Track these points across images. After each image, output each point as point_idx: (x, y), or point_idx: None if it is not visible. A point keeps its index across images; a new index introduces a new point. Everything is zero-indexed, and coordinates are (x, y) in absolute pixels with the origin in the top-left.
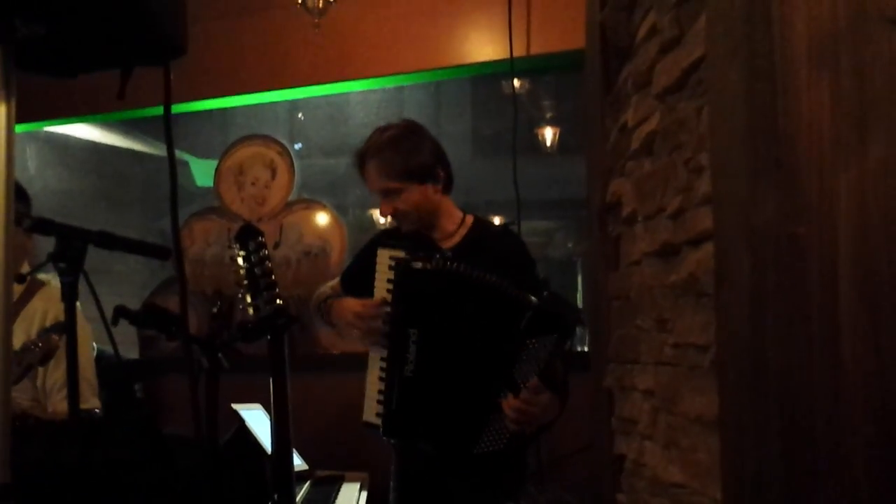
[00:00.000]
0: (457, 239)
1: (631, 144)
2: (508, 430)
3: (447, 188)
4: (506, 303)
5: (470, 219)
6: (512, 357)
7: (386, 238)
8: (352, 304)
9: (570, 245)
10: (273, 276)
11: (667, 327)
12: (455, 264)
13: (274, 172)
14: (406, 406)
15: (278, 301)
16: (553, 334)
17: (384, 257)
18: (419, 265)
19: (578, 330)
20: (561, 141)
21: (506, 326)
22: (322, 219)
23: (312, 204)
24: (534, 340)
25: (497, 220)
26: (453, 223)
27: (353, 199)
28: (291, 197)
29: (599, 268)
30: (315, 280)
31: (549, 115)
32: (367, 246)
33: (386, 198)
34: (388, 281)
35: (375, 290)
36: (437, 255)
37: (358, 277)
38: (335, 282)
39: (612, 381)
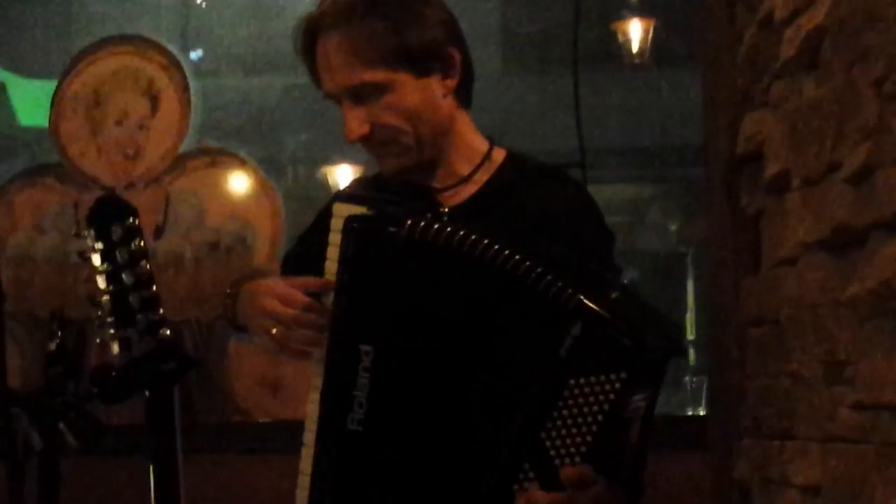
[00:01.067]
0: (473, 189)
1: (780, 51)
2: None
3: (464, 92)
4: (538, 306)
5: (500, 154)
6: (542, 408)
7: (351, 190)
8: (273, 283)
9: (672, 227)
10: (154, 287)
11: (844, 375)
12: (454, 229)
13: (155, 103)
14: (343, 487)
15: (163, 330)
16: (621, 372)
17: (340, 215)
18: (389, 228)
19: (676, 367)
20: (656, 44)
21: (535, 351)
22: (239, 183)
23: (222, 158)
24: (583, 380)
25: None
26: (470, 159)
27: (294, 150)
28: (186, 146)
29: (726, 268)
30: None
31: None
32: (323, 213)
33: (357, 104)
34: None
35: (326, 266)
36: (428, 215)
37: (306, 264)
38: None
39: (747, 468)
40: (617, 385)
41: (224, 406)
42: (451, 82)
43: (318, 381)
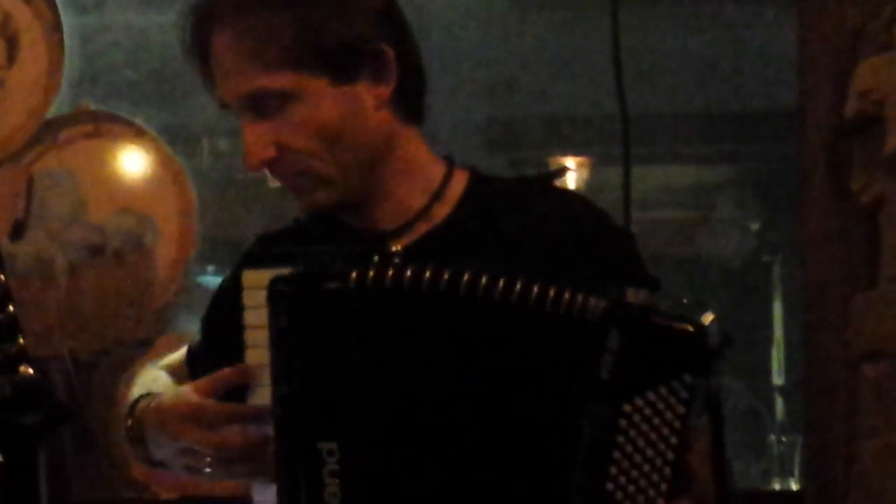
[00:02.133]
0: (435, 222)
1: None
2: None
3: (410, 102)
4: (553, 331)
5: (462, 178)
6: (599, 454)
7: (260, 250)
8: (184, 394)
9: (752, 226)
10: (9, 307)
11: None
12: (415, 269)
13: (13, 47)
14: None
15: (23, 368)
16: (683, 376)
17: (254, 286)
18: (330, 284)
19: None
20: None
21: (567, 386)
22: (134, 162)
23: (109, 126)
24: (640, 401)
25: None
26: (423, 189)
27: (211, 115)
28: (56, 109)
29: (829, 282)
30: (114, 316)
31: None
32: (226, 287)
33: (257, 117)
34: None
35: (247, 356)
36: (375, 259)
37: (216, 359)
38: (175, 357)
39: None
40: (683, 394)
41: (111, 476)
42: (385, 90)
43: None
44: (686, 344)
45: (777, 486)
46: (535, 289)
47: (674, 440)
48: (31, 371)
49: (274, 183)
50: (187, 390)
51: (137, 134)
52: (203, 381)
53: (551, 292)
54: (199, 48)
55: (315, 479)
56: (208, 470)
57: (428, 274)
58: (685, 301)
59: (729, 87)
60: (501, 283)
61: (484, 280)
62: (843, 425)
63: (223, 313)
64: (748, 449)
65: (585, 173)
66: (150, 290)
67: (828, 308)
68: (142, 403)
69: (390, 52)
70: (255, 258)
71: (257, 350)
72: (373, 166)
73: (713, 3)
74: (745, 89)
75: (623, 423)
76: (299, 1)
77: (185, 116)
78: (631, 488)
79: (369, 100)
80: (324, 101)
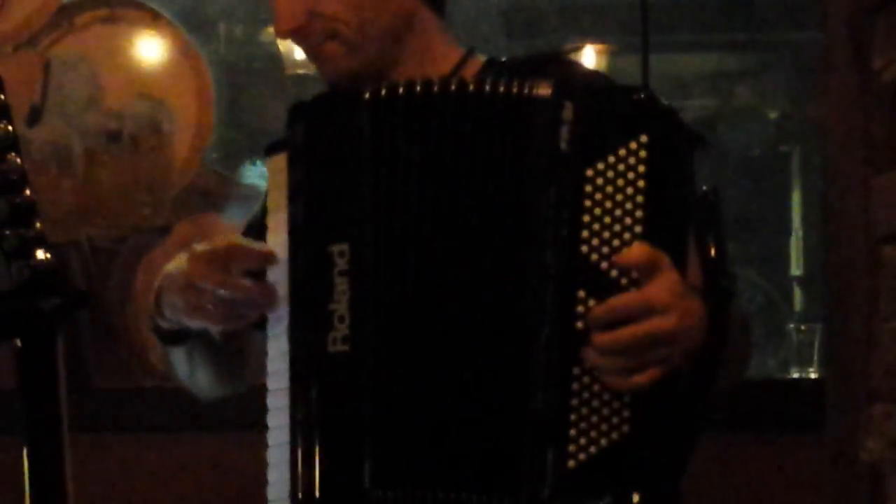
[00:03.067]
0: None
1: None
2: (621, 391)
3: None
4: (513, 114)
5: (477, 62)
6: (570, 222)
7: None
8: (199, 247)
9: (771, 114)
10: (27, 191)
11: None
12: (424, 81)
13: None
14: (338, 431)
15: (41, 253)
16: (639, 136)
17: (276, 168)
18: (347, 98)
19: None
20: None
21: (535, 165)
22: (150, 47)
23: (125, 10)
24: (601, 165)
25: (590, 57)
26: (440, 65)
27: (228, 2)
28: None
29: (851, 164)
30: (131, 202)
31: None
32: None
33: None
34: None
35: (268, 237)
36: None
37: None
38: None
39: (878, 446)
40: (642, 153)
41: (129, 364)
42: None
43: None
44: (637, 105)
45: (797, 375)
46: (495, 82)
47: (640, 198)
48: (48, 256)
49: (291, 69)
50: (211, 242)
51: (154, 19)
52: (233, 240)
53: (509, 83)
54: None
55: (326, 280)
56: (210, 307)
57: (431, 86)
58: (704, 188)
59: None
60: (472, 83)
61: (464, 84)
62: (863, 308)
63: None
64: (766, 340)
65: (604, 61)
66: (167, 176)
67: (848, 190)
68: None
69: None
70: (276, 144)
71: (276, 232)
72: (393, 39)
73: None
74: None
75: (588, 188)
76: None
77: (202, 1)
78: (604, 249)
79: None
80: None
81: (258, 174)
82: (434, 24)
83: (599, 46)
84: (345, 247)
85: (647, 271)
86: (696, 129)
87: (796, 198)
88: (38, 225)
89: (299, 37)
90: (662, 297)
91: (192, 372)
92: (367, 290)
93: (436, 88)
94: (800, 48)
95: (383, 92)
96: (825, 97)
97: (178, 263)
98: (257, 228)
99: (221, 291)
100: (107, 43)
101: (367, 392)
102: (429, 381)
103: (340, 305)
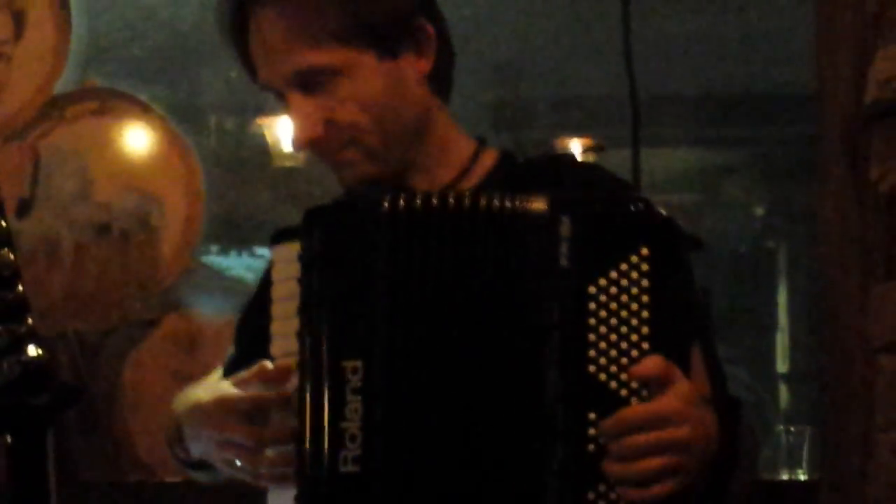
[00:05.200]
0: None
1: None
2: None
3: (442, 80)
4: (513, 232)
5: (491, 156)
6: (575, 340)
7: (288, 228)
8: (220, 388)
9: (757, 211)
10: (19, 286)
11: None
12: (441, 194)
13: (20, 22)
14: None
15: (32, 349)
16: (640, 248)
17: (283, 258)
18: (365, 207)
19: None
20: None
21: (536, 283)
22: (141, 140)
23: (116, 103)
24: (603, 281)
25: (574, 149)
26: (453, 164)
27: (219, 92)
28: (63, 85)
29: (848, 271)
30: (119, 295)
31: None
32: (265, 277)
33: (305, 94)
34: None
35: (273, 341)
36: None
37: (258, 347)
38: (213, 377)
39: None
40: (643, 266)
41: (117, 459)
42: (426, 64)
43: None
44: (636, 218)
45: (786, 477)
46: (497, 197)
47: (645, 313)
48: (40, 352)
49: (280, 162)
50: (224, 384)
51: (144, 111)
52: (239, 376)
53: (510, 198)
54: (239, 29)
55: (338, 396)
56: (239, 463)
57: (447, 200)
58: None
59: (737, 69)
60: (468, 198)
61: (464, 198)
62: (859, 418)
63: (262, 302)
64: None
65: (592, 155)
66: (155, 270)
67: (844, 299)
68: (180, 402)
69: (430, 28)
70: (284, 233)
71: (284, 322)
72: (413, 140)
73: None
74: (753, 72)
75: (591, 305)
76: None
77: (192, 94)
78: (612, 368)
79: (412, 74)
80: (370, 75)
81: (244, 266)
82: (447, 117)
83: (587, 141)
84: (358, 363)
85: (660, 385)
86: (691, 233)
87: (782, 294)
88: (29, 321)
89: (318, 147)
90: (675, 408)
91: (216, 479)
92: (380, 410)
93: (450, 202)
94: (786, 144)
95: (401, 204)
96: (820, 204)
97: (195, 404)
98: (255, 317)
99: (248, 444)
100: (97, 135)
101: None
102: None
103: (353, 424)
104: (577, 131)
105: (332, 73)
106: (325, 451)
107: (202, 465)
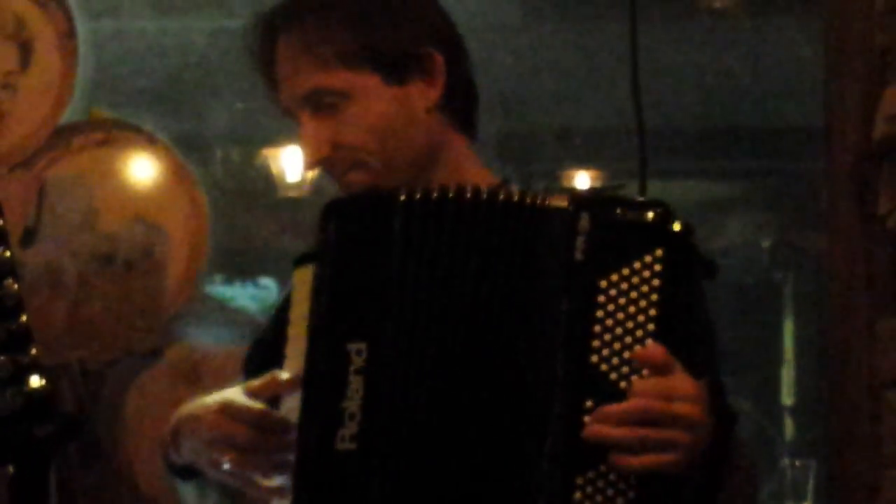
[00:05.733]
0: None
1: None
2: (628, 494)
3: (462, 112)
4: (533, 224)
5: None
6: (581, 330)
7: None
8: (224, 392)
9: (763, 243)
10: (23, 316)
11: None
12: (456, 186)
13: (27, 53)
14: None
15: (35, 380)
16: (654, 250)
17: (302, 280)
18: (381, 198)
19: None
20: None
21: (550, 274)
22: (146, 170)
23: (121, 133)
24: (615, 277)
25: (584, 183)
26: None
27: (225, 123)
28: (69, 116)
29: (855, 305)
30: (123, 326)
31: None
32: (283, 302)
33: (316, 116)
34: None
35: (286, 361)
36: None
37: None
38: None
39: None
40: (657, 266)
41: (118, 489)
42: (434, 93)
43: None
44: (654, 219)
45: None
46: (518, 192)
47: (653, 312)
48: (43, 382)
49: (285, 193)
50: (231, 390)
51: (150, 142)
52: (249, 384)
53: (530, 194)
54: (266, 56)
55: (341, 378)
56: (227, 466)
57: (461, 191)
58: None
59: (743, 103)
60: (492, 191)
61: (494, 193)
62: (866, 454)
63: (280, 325)
64: (759, 472)
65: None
66: (160, 300)
67: (851, 334)
68: (185, 405)
69: (439, 58)
70: (304, 257)
71: (299, 341)
72: (421, 167)
73: (730, 18)
74: (759, 106)
75: (601, 298)
76: (352, 5)
77: (198, 125)
78: (615, 360)
79: (420, 101)
80: (377, 99)
81: (248, 296)
82: (465, 150)
83: (594, 172)
84: (363, 346)
85: (662, 370)
86: (708, 257)
87: (788, 327)
88: (33, 351)
89: (325, 167)
90: (685, 386)
91: (201, 501)
92: (380, 392)
93: (467, 195)
94: (793, 178)
95: (418, 195)
96: (828, 239)
97: (199, 406)
98: (267, 344)
99: (240, 443)
100: (102, 165)
101: (370, 493)
102: (432, 486)
103: (353, 403)
104: (584, 163)
105: (340, 96)
106: (324, 428)
107: (190, 472)
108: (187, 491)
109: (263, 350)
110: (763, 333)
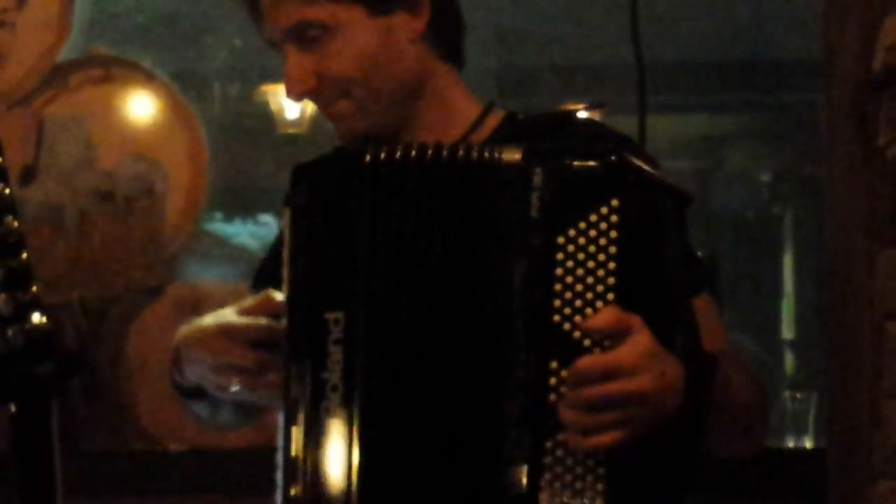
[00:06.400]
0: None
1: None
2: (595, 462)
3: (447, 42)
4: (487, 181)
5: (496, 117)
6: (541, 290)
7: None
8: (222, 314)
9: (763, 177)
10: (24, 254)
11: None
12: (421, 146)
13: None
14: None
15: (37, 317)
16: (610, 200)
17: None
18: (348, 161)
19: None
20: None
21: (506, 233)
22: (145, 107)
23: (120, 70)
24: (572, 232)
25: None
26: (457, 125)
27: (223, 60)
28: (67, 52)
29: (855, 236)
30: (123, 263)
31: None
32: (278, 239)
33: (301, 50)
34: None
35: (284, 290)
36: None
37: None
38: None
39: None
40: (613, 217)
41: (121, 428)
42: (419, 23)
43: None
44: (607, 170)
45: (792, 445)
46: (472, 149)
47: (612, 265)
48: (44, 320)
49: (284, 129)
50: (227, 311)
51: (148, 79)
52: (244, 304)
53: (482, 149)
54: None
55: (320, 348)
56: (235, 388)
57: (426, 151)
58: (699, 254)
59: (743, 36)
60: (452, 149)
61: (454, 151)
62: (867, 385)
63: (265, 277)
64: None
65: (596, 115)
66: (159, 238)
67: (852, 264)
68: (183, 329)
69: None
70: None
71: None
72: (407, 97)
73: None
74: (759, 39)
75: (559, 255)
76: None
77: (195, 61)
78: (577, 317)
79: (404, 32)
80: (360, 31)
81: (248, 233)
82: (452, 79)
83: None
84: (340, 314)
85: (617, 335)
86: (680, 188)
87: (788, 261)
88: (34, 288)
89: (312, 98)
90: (631, 360)
91: (213, 415)
92: (359, 362)
93: (428, 153)
94: (792, 111)
95: (382, 156)
96: (828, 170)
97: (196, 329)
98: (264, 281)
99: (246, 366)
100: (101, 103)
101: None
102: (409, 453)
103: (333, 374)
104: (582, 98)
105: (324, 28)
106: (307, 401)
107: (197, 392)
108: (200, 408)
109: (264, 281)
110: (763, 267)
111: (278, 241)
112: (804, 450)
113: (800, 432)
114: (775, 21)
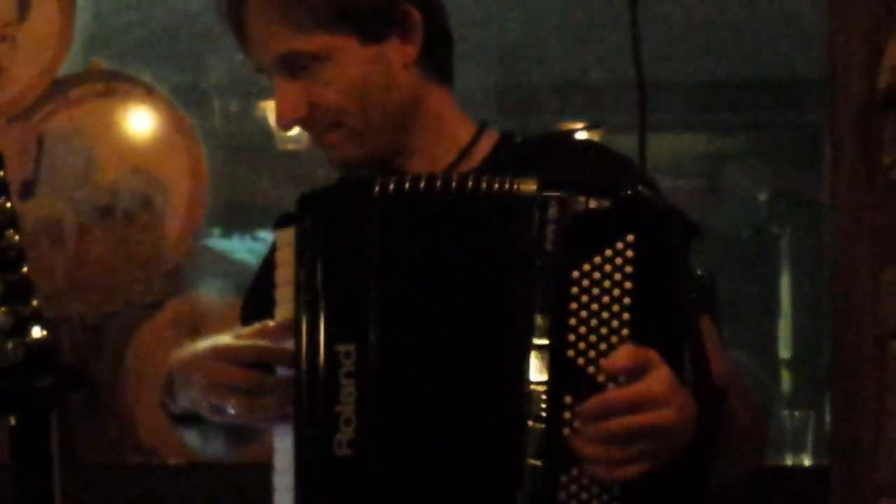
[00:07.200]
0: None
1: None
2: (611, 494)
3: (438, 63)
4: (505, 213)
5: (491, 138)
6: (556, 324)
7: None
8: (217, 338)
9: (760, 196)
10: (24, 268)
11: None
12: (430, 177)
13: (25, 2)
14: None
15: (36, 331)
16: (626, 235)
17: (285, 243)
18: (356, 191)
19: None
20: None
21: (521, 265)
22: (145, 122)
23: (120, 84)
24: (587, 266)
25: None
26: (452, 147)
27: (223, 75)
28: (68, 67)
29: (859, 257)
30: (123, 278)
31: None
32: (266, 260)
33: (291, 78)
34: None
35: (276, 313)
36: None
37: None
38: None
39: None
40: (628, 252)
41: (119, 441)
42: (412, 50)
43: (282, 443)
44: (624, 204)
45: (790, 464)
46: (486, 180)
47: (627, 300)
48: (44, 333)
49: (284, 146)
50: (222, 336)
51: (148, 93)
52: (241, 330)
53: (499, 180)
54: (235, 14)
55: (332, 381)
56: (232, 411)
57: (435, 182)
58: (699, 272)
59: (742, 55)
60: (456, 179)
61: (463, 182)
62: (871, 403)
63: (268, 276)
64: None
65: (596, 140)
66: (159, 252)
67: (855, 283)
68: (176, 354)
69: (416, 14)
70: (287, 217)
71: (286, 307)
72: (401, 123)
73: None
74: (758, 58)
75: (574, 289)
76: None
77: (196, 77)
78: (591, 353)
79: (397, 59)
80: (353, 60)
81: (247, 249)
82: (444, 100)
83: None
84: (351, 347)
85: (635, 374)
86: (689, 220)
87: (785, 280)
88: (34, 302)
89: (303, 127)
90: (658, 392)
91: (204, 445)
92: (373, 394)
93: (438, 184)
94: (791, 131)
95: (391, 188)
96: (832, 189)
97: (191, 353)
98: (256, 300)
99: (243, 387)
100: (101, 117)
101: (372, 499)
102: (425, 488)
103: (347, 408)
104: (583, 116)
105: (316, 58)
106: (321, 435)
107: (189, 418)
108: (191, 437)
109: (256, 303)
110: (760, 286)
111: (267, 263)
112: (807, 468)
113: (798, 450)
114: (775, 41)
